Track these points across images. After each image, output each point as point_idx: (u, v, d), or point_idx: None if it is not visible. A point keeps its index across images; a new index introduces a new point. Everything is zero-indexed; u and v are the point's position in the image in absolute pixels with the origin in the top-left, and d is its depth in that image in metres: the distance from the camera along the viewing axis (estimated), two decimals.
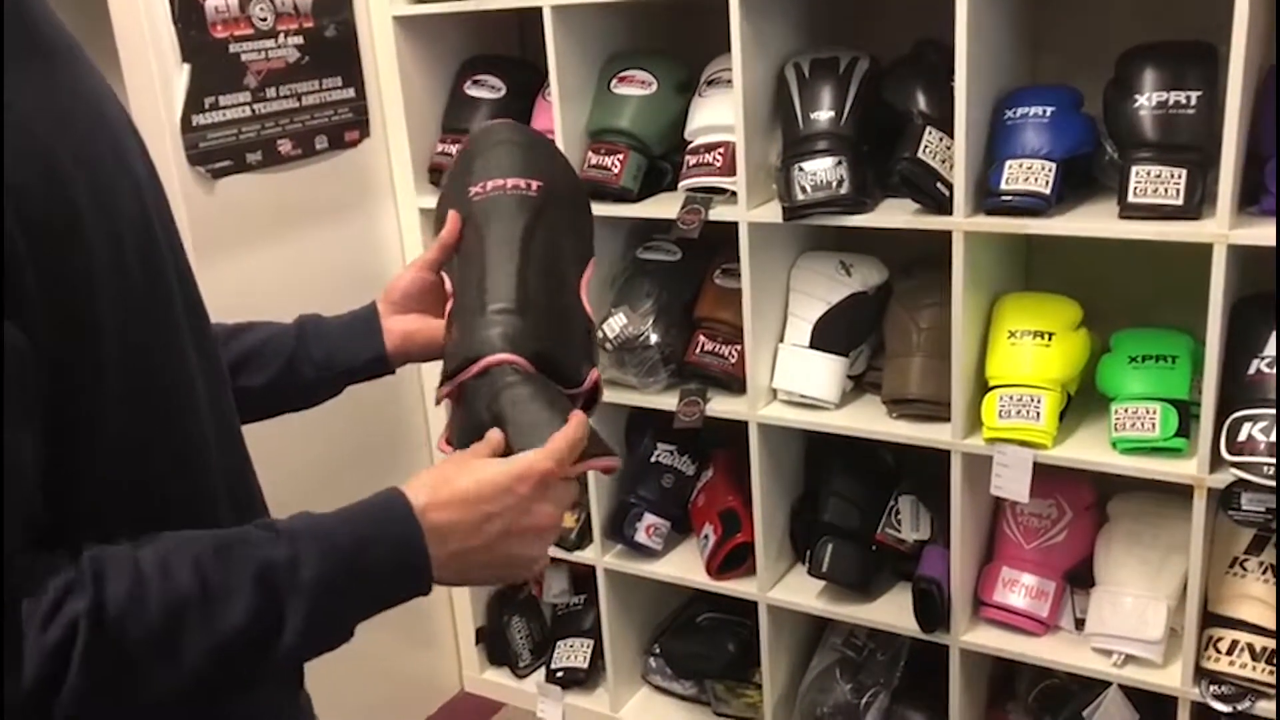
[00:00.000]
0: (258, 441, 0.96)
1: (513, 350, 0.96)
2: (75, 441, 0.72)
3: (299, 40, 2.07)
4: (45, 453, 0.69)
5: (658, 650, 2.46)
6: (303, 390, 1.10)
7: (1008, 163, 1.73)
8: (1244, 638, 1.74)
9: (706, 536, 2.20)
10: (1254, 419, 1.62)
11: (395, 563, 0.79)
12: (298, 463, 1.98)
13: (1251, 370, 1.66)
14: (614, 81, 2.10)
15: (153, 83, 1.85)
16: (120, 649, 0.67)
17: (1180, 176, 1.62)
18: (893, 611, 2.04)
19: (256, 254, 2.05)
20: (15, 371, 0.65)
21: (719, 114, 1.98)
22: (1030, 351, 1.81)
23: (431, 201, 2.31)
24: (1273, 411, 1.61)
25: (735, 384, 2.07)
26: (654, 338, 2.12)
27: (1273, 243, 1.55)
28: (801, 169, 1.84)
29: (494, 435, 0.90)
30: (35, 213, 0.66)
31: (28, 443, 0.67)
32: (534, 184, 1.09)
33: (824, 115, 1.86)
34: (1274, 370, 1.64)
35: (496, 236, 1.05)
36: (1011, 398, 1.79)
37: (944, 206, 1.76)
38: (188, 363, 0.82)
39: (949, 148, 1.76)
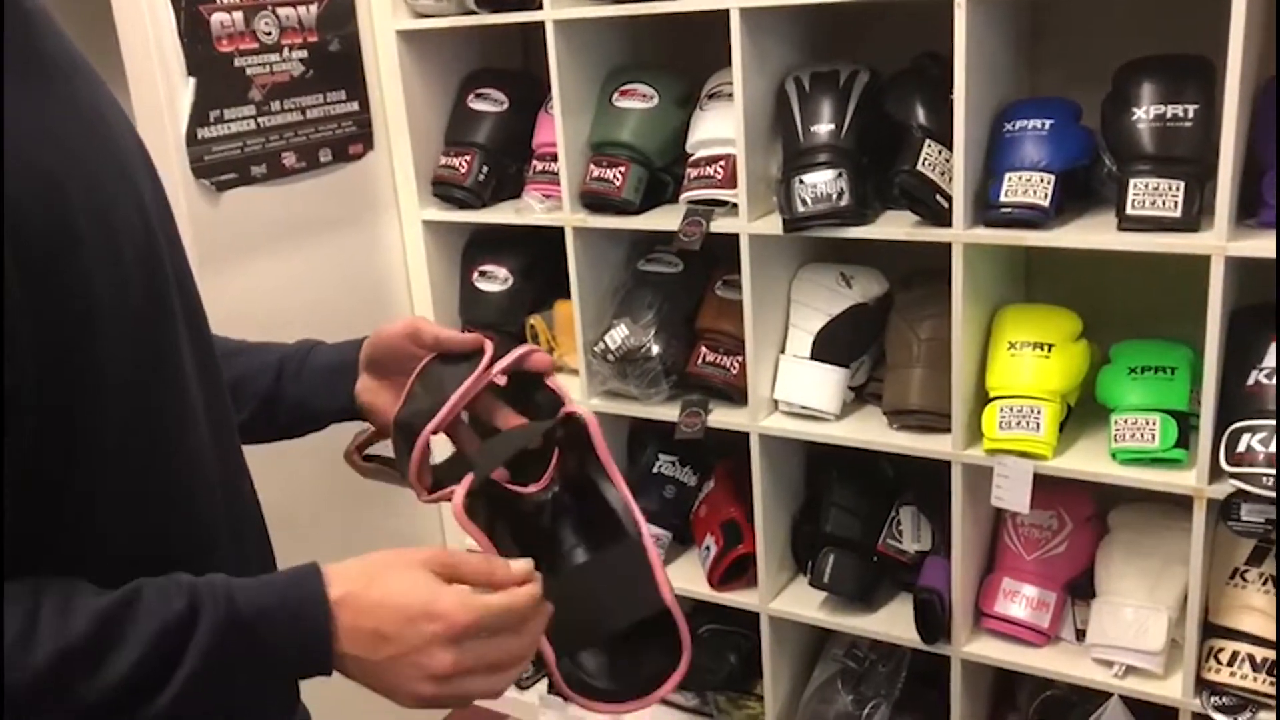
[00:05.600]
0: (259, 457, 0.97)
1: None
2: (72, 460, 0.72)
3: (303, 54, 2.09)
4: (41, 475, 0.70)
5: None
6: (279, 429, 1.07)
7: (1007, 175, 1.74)
8: (1245, 649, 1.74)
9: (708, 548, 2.21)
10: (1253, 430, 1.62)
11: (295, 644, 0.75)
12: (299, 479, 1.98)
13: (1250, 381, 1.66)
14: (616, 95, 2.12)
15: (158, 96, 1.86)
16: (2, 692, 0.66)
17: (1178, 189, 1.63)
18: (894, 622, 2.04)
19: (261, 266, 2.06)
20: None
21: (720, 127, 1.99)
22: (1030, 363, 1.82)
23: (433, 214, 2.33)
24: (1272, 422, 1.62)
25: (736, 395, 2.08)
26: (655, 349, 2.12)
27: (1271, 254, 1.56)
28: (802, 181, 1.85)
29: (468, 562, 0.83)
30: (32, 236, 0.66)
31: None
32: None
33: (824, 128, 1.87)
34: (1273, 381, 1.65)
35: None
36: (1011, 409, 1.80)
37: (943, 218, 1.77)
38: (188, 381, 0.82)
39: (948, 160, 1.77)
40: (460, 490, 0.88)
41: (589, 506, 0.97)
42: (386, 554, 0.81)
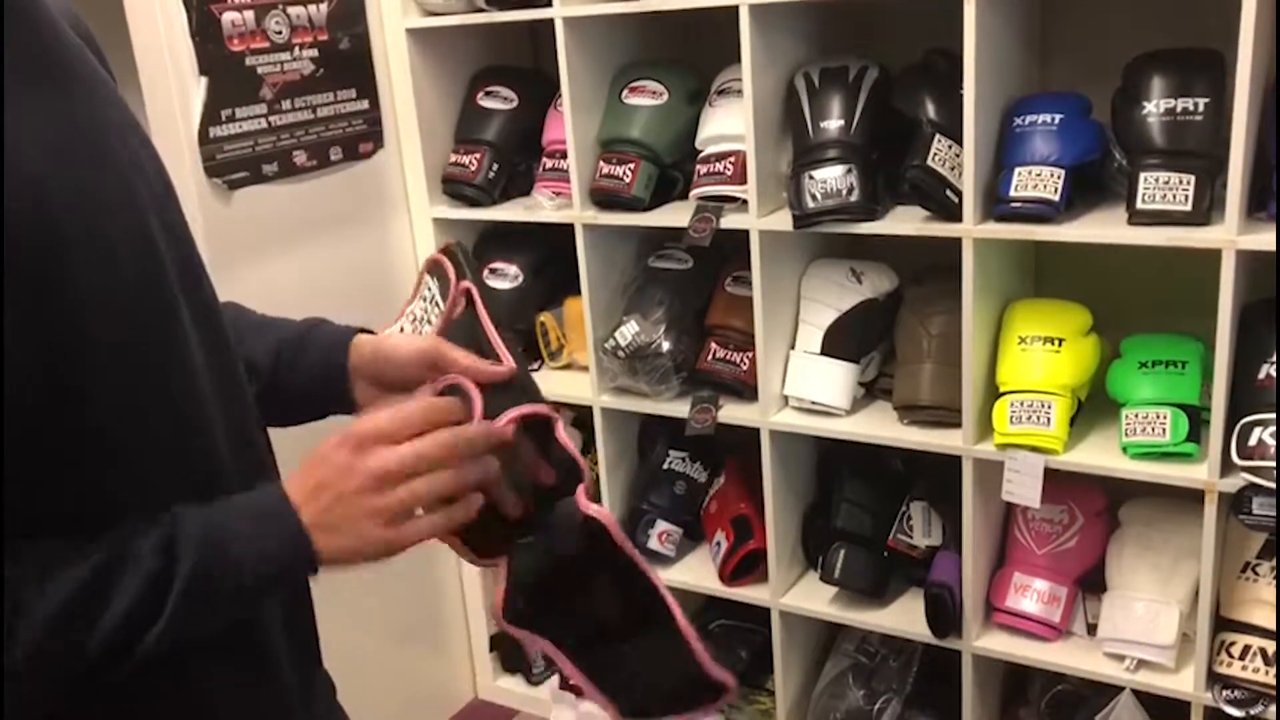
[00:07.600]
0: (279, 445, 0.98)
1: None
2: (77, 457, 0.75)
3: (314, 53, 2.10)
4: (48, 461, 0.73)
5: None
6: (286, 417, 1.06)
7: (1017, 170, 1.74)
8: (1257, 642, 1.74)
9: (719, 543, 2.21)
10: (1264, 423, 1.62)
11: (266, 541, 0.80)
12: None
13: (1261, 375, 1.66)
14: (625, 92, 2.12)
15: (171, 95, 1.87)
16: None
17: (1189, 183, 1.63)
18: (905, 617, 2.05)
19: (272, 264, 2.07)
20: None
21: (729, 123, 1.99)
22: (1041, 357, 1.82)
23: (444, 211, 2.34)
24: None
25: (747, 391, 2.08)
26: (666, 345, 2.13)
27: None
28: (812, 177, 1.85)
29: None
30: (16, 239, 0.68)
31: None
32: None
33: (834, 124, 1.87)
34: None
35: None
36: (1022, 403, 1.80)
37: (953, 213, 1.77)
38: (198, 378, 0.83)
39: (958, 155, 1.77)
40: (499, 595, 0.89)
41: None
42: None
